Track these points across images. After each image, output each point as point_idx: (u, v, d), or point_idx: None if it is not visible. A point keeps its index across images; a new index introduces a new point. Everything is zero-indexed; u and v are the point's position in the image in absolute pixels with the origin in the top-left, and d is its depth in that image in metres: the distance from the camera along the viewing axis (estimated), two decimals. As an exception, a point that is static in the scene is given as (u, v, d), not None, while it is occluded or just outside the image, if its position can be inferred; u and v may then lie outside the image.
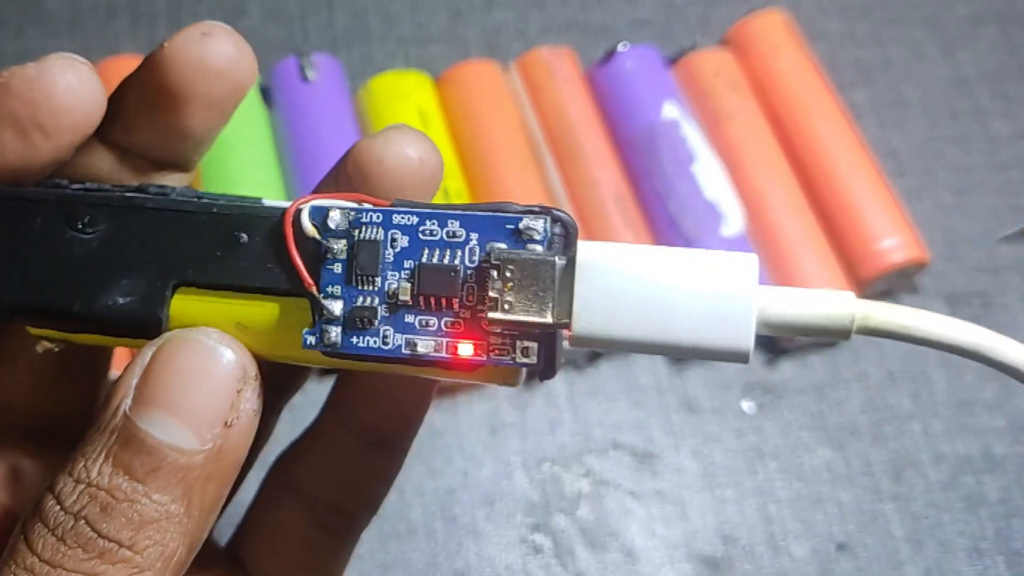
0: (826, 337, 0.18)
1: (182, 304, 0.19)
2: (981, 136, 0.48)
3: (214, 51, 0.19)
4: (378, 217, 0.18)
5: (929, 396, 0.41)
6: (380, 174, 0.19)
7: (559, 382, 0.41)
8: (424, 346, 0.18)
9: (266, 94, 0.44)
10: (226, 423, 0.18)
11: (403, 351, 0.18)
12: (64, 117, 0.18)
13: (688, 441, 0.40)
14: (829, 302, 0.17)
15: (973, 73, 0.49)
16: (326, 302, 0.18)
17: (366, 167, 0.20)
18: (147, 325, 0.19)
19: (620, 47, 0.45)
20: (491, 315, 0.17)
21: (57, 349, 0.20)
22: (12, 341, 0.21)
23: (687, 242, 0.40)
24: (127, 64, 0.44)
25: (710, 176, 0.42)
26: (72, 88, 0.19)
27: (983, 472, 0.40)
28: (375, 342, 0.18)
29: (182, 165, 0.21)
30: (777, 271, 0.41)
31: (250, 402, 0.18)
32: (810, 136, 0.43)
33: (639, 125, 0.43)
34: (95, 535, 0.17)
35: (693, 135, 0.43)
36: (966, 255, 0.44)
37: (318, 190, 0.20)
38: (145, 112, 0.19)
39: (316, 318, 0.18)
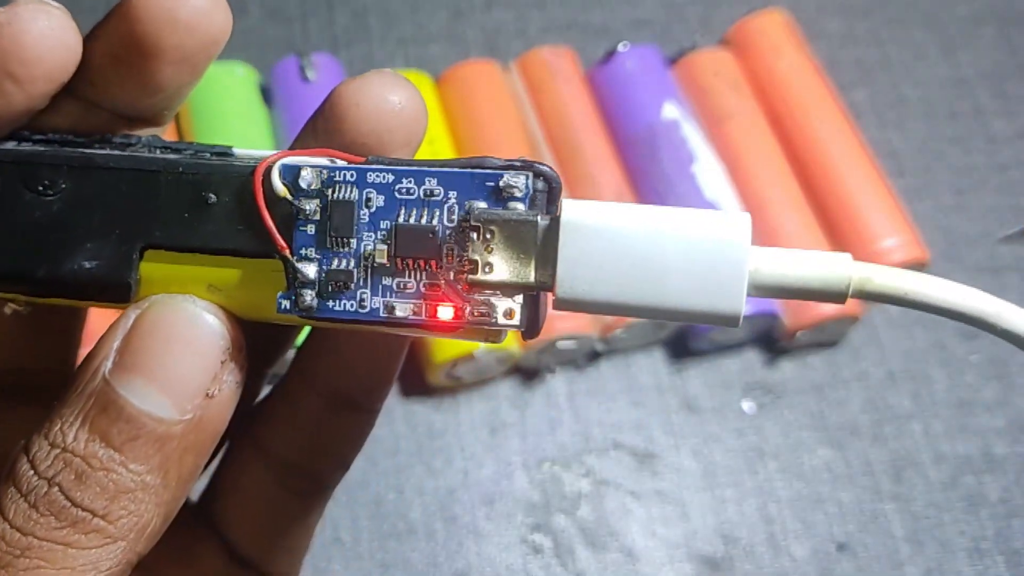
0: (820, 300, 0.17)
1: (151, 266, 0.18)
2: (981, 136, 0.48)
3: (185, 2, 0.18)
4: (352, 176, 0.17)
5: (929, 396, 0.41)
6: (357, 118, 0.18)
7: (559, 382, 0.41)
8: (402, 309, 0.17)
9: (266, 94, 0.44)
10: (208, 394, 0.17)
11: (381, 314, 0.17)
12: (37, 66, 0.18)
13: (688, 441, 0.40)
14: (824, 264, 0.16)
15: (973, 73, 0.49)
16: (300, 265, 0.17)
17: (343, 111, 0.18)
18: (116, 289, 0.18)
19: (620, 47, 0.45)
20: (471, 278, 0.17)
21: (25, 312, 0.19)
22: None
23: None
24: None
25: (710, 176, 0.42)
26: (45, 35, 0.18)
27: (983, 472, 0.40)
28: (351, 306, 0.17)
29: (153, 120, 0.20)
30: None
31: (233, 374, 0.18)
32: (810, 136, 0.43)
33: (639, 125, 0.43)
34: (68, 503, 0.16)
35: (693, 135, 0.43)
36: (966, 255, 0.44)
37: (298, 141, 0.20)
38: (112, 65, 0.18)
39: (290, 282, 0.17)
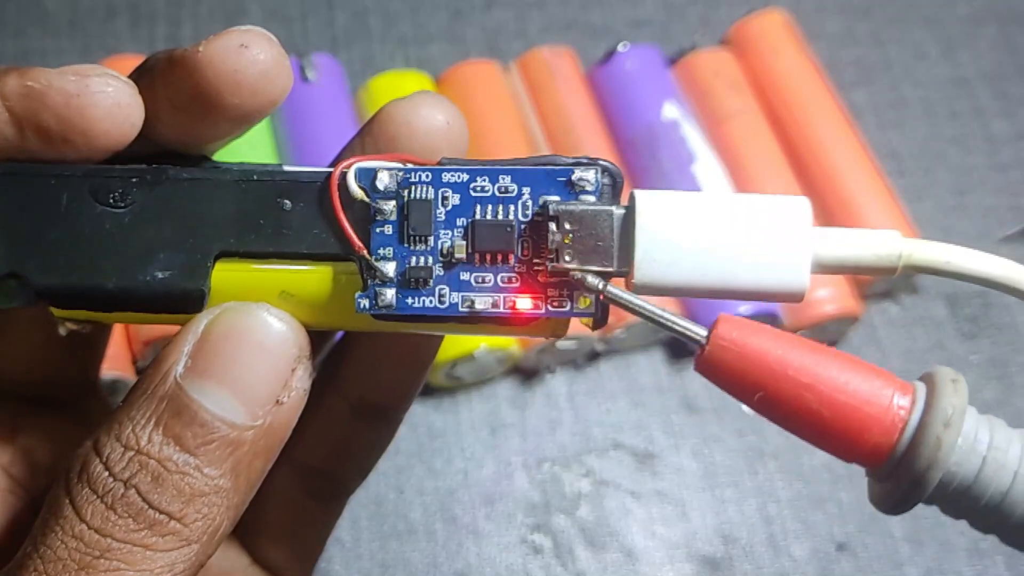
0: (873, 275, 0.18)
1: (223, 275, 0.18)
2: (981, 136, 0.48)
3: (251, 64, 0.18)
4: (427, 176, 0.18)
5: (929, 396, 0.41)
6: (409, 136, 0.19)
7: (559, 382, 0.41)
8: (482, 302, 0.18)
9: (266, 94, 0.44)
10: (278, 400, 0.18)
11: (460, 309, 0.18)
12: (98, 139, 0.18)
13: (688, 441, 0.40)
14: (878, 241, 0.18)
15: (973, 73, 0.49)
16: (379, 264, 0.18)
17: (394, 129, 0.19)
18: (188, 299, 0.18)
19: (620, 47, 0.45)
20: (552, 266, 0.17)
21: (84, 331, 0.19)
22: (12, 313, 0.21)
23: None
24: (127, 64, 0.44)
25: (710, 176, 0.42)
26: (111, 112, 0.18)
27: (983, 472, 0.40)
28: (431, 301, 0.18)
29: (196, 155, 0.20)
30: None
31: (302, 380, 0.18)
32: (810, 136, 0.43)
33: (639, 125, 0.43)
34: (146, 505, 0.17)
35: (693, 135, 0.43)
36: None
37: (342, 155, 0.20)
38: (170, 111, 0.19)
39: (368, 281, 0.18)
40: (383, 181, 0.18)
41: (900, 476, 0.17)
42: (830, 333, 0.41)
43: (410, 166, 0.18)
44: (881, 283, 0.42)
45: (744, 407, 0.18)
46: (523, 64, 0.46)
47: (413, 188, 0.18)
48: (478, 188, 0.18)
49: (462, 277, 0.18)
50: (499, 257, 0.18)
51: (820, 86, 0.45)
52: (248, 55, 0.18)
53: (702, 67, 0.45)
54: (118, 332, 0.38)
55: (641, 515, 0.39)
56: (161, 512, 0.17)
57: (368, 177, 0.18)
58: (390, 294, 0.18)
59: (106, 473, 0.17)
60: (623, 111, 0.44)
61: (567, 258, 0.17)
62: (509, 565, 0.38)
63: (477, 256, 0.18)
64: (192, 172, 0.18)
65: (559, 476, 0.39)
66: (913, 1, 0.51)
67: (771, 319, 0.40)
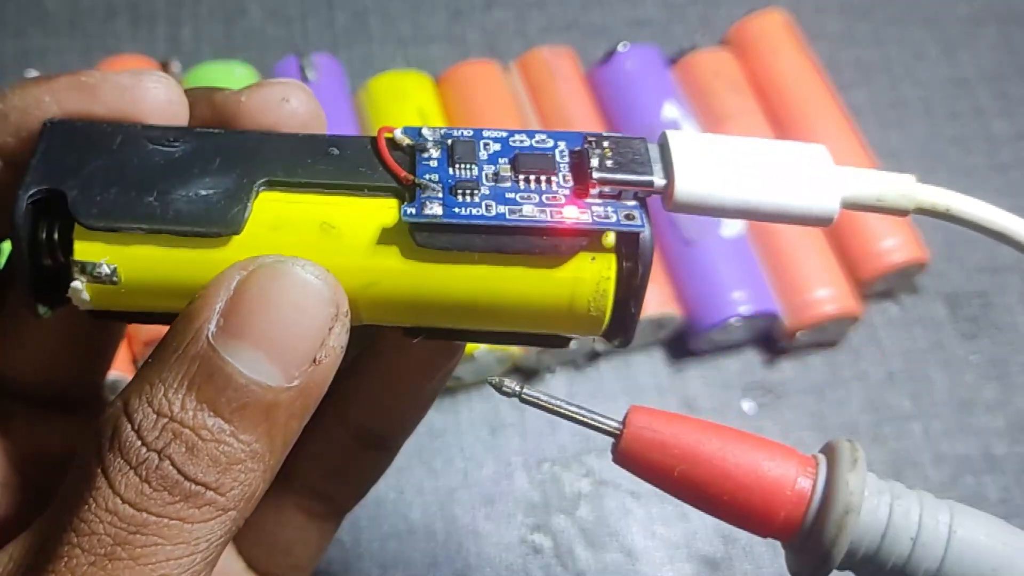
0: (887, 212, 0.20)
1: (265, 203, 0.18)
2: (981, 136, 0.48)
3: (291, 117, 0.19)
4: (468, 132, 0.19)
5: (929, 396, 0.41)
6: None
7: (559, 382, 0.41)
8: (528, 209, 0.17)
9: (266, 94, 0.44)
10: (315, 360, 0.17)
11: (507, 217, 0.17)
12: None
13: (688, 441, 0.40)
14: (894, 181, 0.19)
15: (973, 73, 0.49)
16: (426, 178, 0.18)
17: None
18: (226, 217, 0.17)
19: (620, 47, 0.45)
20: (598, 174, 0.18)
21: (118, 285, 0.18)
22: (22, 313, 0.21)
23: (686, 243, 0.40)
24: (127, 64, 0.44)
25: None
26: (162, 107, 0.18)
27: (983, 472, 0.40)
28: (477, 211, 0.17)
29: None
30: (777, 271, 0.41)
31: (339, 338, 0.17)
32: (810, 136, 0.43)
33: (639, 125, 0.43)
34: (181, 477, 0.16)
35: (693, 135, 0.43)
36: (966, 255, 0.44)
37: None
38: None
39: (417, 193, 0.18)
40: (427, 134, 0.18)
41: (812, 547, 0.18)
42: (830, 333, 0.41)
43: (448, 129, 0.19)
44: (881, 283, 0.42)
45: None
46: (523, 64, 0.46)
47: (456, 139, 0.18)
48: (516, 141, 0.19)
49: (507, 196, 0.18)
50: (543, 179, 0.18)
51: (820, 86, 0.45)
52: (288, 108, 0.18)
53: (702, 67, 0.45)
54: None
55: (641, 515, 0.39)
56: (197, 483, 0.16)
57: (414, 132, 0.18)
58: (437, 206, 0.17)
59: (139, 442, 0.16)
60: (623, 111, 0.44)
61: (610, 164, 0.18)
62: (509, 565, 0.38)
63: (522, 177, 0.18)
64: (242, 130, 0.19)
65: (559, 476, 0.39)
66: (913, 1, 0.51)
67: (771, 319, 0.40)
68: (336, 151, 0.18)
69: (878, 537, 0.17)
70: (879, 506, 0.18)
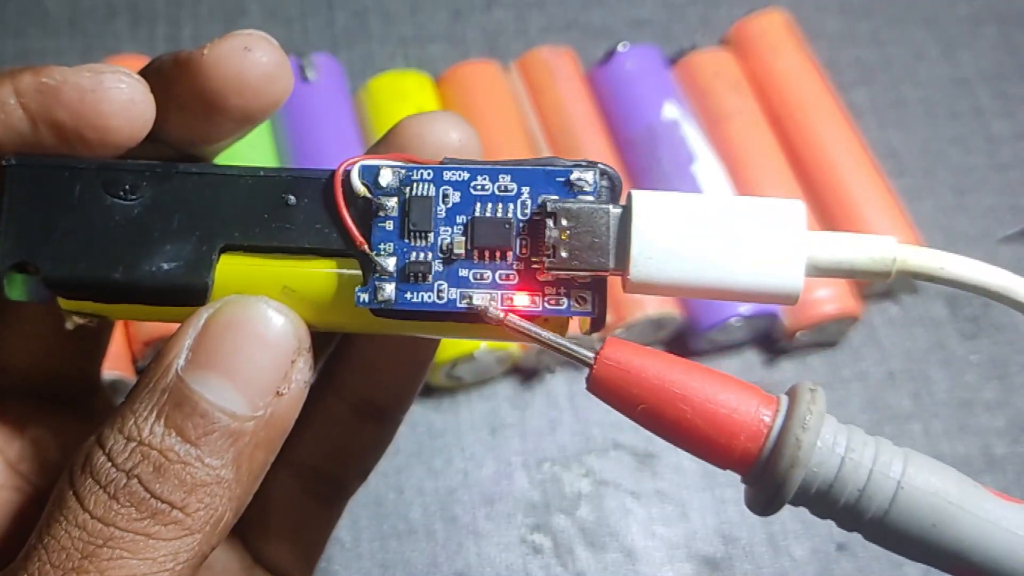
0: (869, 279, 0.18)
1: (227, 268, 0.19)
2: (981, 136, 0.48)
3: (254, 66, 0.19)
4: (429, 174, 0.18)
5: (929, 396, 0.41)
6: (420, 148, 0.20)
7: (559, 382, 0.41)
8: (480, 298, 0.18)
9: (266, 94, 0.44)
10: (278, 392, 0.18)
11: (458, 304, 0.18)
12: (110, 135, 0.18)
13: (688, 441, 0.40)
14: (872, 246, 0.18)
15: (973, 73, 0.49)
16: (379, 259, 0.18)
17: (405, 141, 0.20)
18: (192, 292, 0.18)
19: (620, 47, 0.45)
20: (550, 262, 0.18)
21: (92, 324, 0.19)
22: (18, 308, 0.21)
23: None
24: (126, 64, 0.44)
25: (710, 176, 0.42)
26: (124, 108, 0.18)
27: (983, 472, 0.40)
28: (429, 296, 0.18)
29: (200, 157, 0.21)
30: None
31: (302, 372, 0.18)
32: (810, 136, 0.43)
33: (639, 125, 0.43)
34: (148, 495, 0.17)
35: (693, 135, 0.43)
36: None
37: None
38: (175, 112, 0.19)
39: (368, 276, 0.18)
40: (386, 178, 0.18)
41: (767, 478, 0.18)
42: (830, 333, 0.41)
43: (412, 165, 0.18)
44: (880, 283, 0.42)
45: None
46: (523, 64, 0.46)
47: (415, 185, 0.18)
48: (478, 187, 0.18)
49: (460, 273, 0.18)
50: (497, 254, 0.18)
51: (820, 86, 0.45)
52: (251, 58, 0.18)
53: (702, 67, 0.45)
54: (118, 332, 0.38)
55: (641, 515, 0.39)
56: (163, 501, 0.17)
57: (371, 174, 0.18)
58: (389, 288, 0.18)
59: (109, 464, 0.17)
60: (623, 111, 0.44)
61: (564, 254, 0.18)
62: (509, 565, 0.38)
63: (476, 252, 0.18)
64: (201, 167, 0.19)
65: (559, 476, 0.39)
66: (913, 1, 0.51)
67: (771, 319, 0.40)
68: (292, 199, 0.19)
69: (834, 468, 0.18)
70: (837, 437, 0.18)
